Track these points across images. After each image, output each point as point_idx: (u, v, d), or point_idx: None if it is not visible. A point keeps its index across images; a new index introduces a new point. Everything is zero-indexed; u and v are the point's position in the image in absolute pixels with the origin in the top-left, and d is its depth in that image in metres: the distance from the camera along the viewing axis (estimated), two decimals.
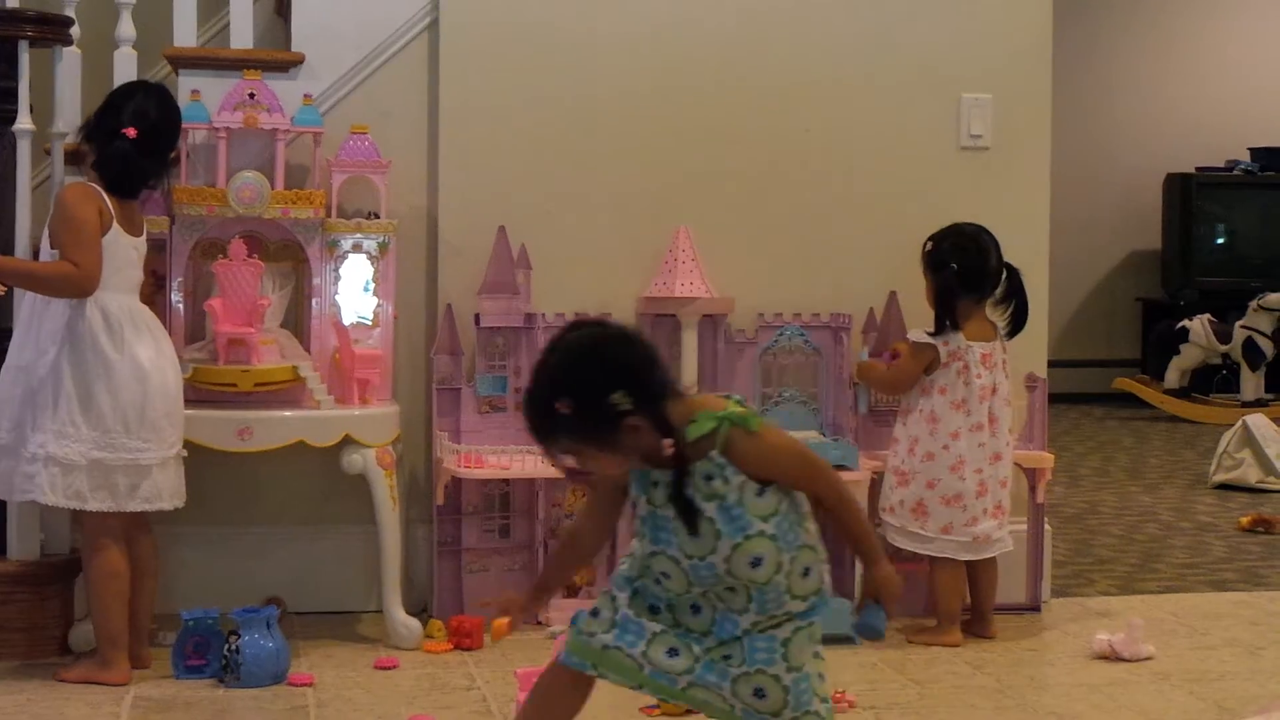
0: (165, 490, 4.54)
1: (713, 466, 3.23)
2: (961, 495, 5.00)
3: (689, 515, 3.23)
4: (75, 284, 4.43)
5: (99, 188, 4.50)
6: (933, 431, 5.03)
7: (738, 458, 3.23)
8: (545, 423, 3.22)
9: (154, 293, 4.86)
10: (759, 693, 3.31)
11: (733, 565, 3.25)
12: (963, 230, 5.12)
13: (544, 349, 3.31)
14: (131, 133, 4.53)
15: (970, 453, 5.01)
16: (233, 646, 4.47)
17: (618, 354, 3.25)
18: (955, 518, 5.00)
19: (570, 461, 3.28)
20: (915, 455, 5.04)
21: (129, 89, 4.67)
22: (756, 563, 3.25)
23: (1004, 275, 5.13)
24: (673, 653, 3.33)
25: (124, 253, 4.52)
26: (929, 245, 5.11)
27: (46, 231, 4.57)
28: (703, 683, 3.33)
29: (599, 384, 3.18)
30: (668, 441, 3.19)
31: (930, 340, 5.05)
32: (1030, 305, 5.20)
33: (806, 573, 3.33)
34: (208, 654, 4.56)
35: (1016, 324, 5.15)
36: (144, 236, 4.64)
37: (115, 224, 4.49)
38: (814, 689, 3.37)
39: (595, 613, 3.39)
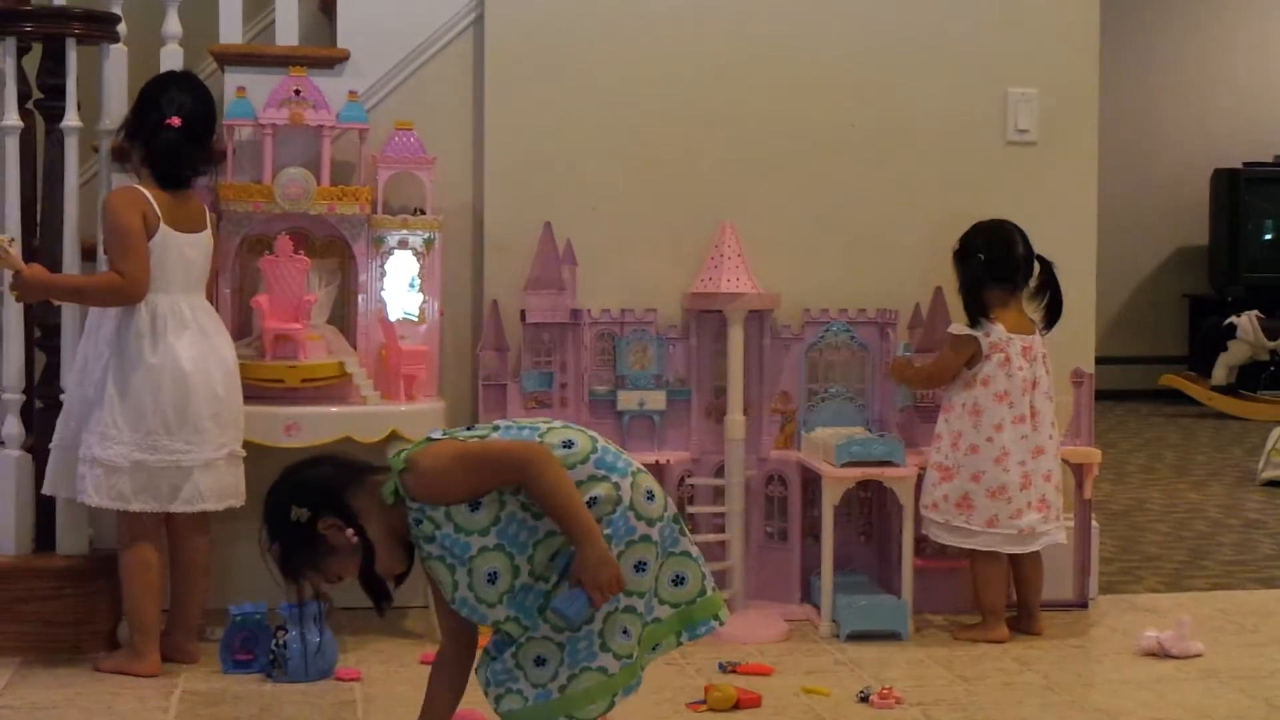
0: (209, 492, 4.55)
1: (414, 512, 3.37)
2: (1006, 487, 4.98)
3: (399, 579, 3.51)
4: (122, 293, 4.46)
5: (143, 189, 4.52)
6: (976, 424, 5.01)
7: (420, 496, 3.35)
8: (280, 569, 3.44)
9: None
10: (540, 660, 3.40)
11: (476, 590, 3.35)
12: (986, 223, 5.13)
13: None
14: (176, 122, 4.55)
15: (1014, 445, 4.99)
16: (280, 641, 4.48)
17: (287, 479, 3.46)
18: (1000, 510, 4.98)
19: (328, 581, 3.47)
20: (959, 449, 5.02)
21: (160, 82, 4.69)
22: (493, 577, 3.34)
23: (1037, 268, 5.11)
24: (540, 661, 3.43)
25: (175, 252, 4.53)
26: (956, 244, 5.11)
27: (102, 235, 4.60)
28: None
29: (280, 513, 3.41)
30: (349, 531, 3.38)
31: (971, 332, 5.03)
32: (1077, 301, 5.20)
33: (555, 556, 3.36)
34: (255, 649, 4.57)
35: (1051, 317, 5.13)
36: (207, 231, 4.65)
37: (163, 224, 4.50)
38: (596, 643, 3.38)
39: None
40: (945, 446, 5.05)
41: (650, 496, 3.40)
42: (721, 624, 3.52)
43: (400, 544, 3.43)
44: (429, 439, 3.43)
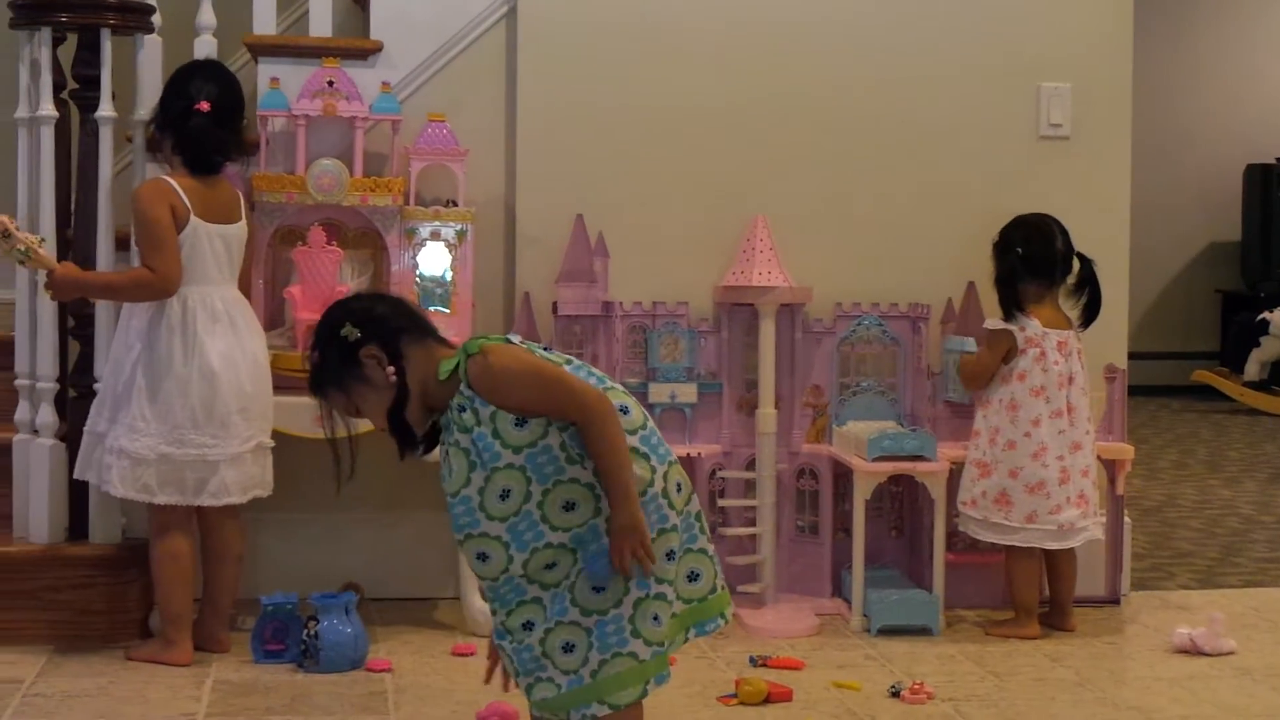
0: (234, 485, 4.56)
1: (463, 399, 3.28)
2: (1045, 483, 4.97)
3: (430, 443, 3.38)
4: (153, 288, 4.47)
5: (173, 180, 4.53)
6: (1013, 419, 5.00)
7: (478, 386, 3.26)
8: (310, 379, 3.40)
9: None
10: (568, 647, 3.30)
11: (485, 498, 3.26)
12: (1027, 218, 5.13)
13: None
14: (205, 106, 4.56)
15: (1051, 440, 4.98)
16: (311, 632, 4.49)
17: (351, 303, 3.45)
18: (1039, 505, 4.97)
19: (347, 410, 3.40)
20: (996, 445, 5.01)
21: (186, 71, 4.70)
22: (505, 495, 3.26)
23: (1076, 264, 5.10)
24: (568, 648, 3.33)
25: (206, 243, 4.53)
26: (996, 237, 5.10)
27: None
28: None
29: (332, 324, 3.37)
30: (390, 369, 3.32)
31: (1006, 326, 5.03)
32: (1110, 296, 5.18)
33: (571, 507, 3.28)
34: (286, 639, 4.58)
35: (1089, 315, 5.12)
36: (241, 222, 4.66)
37: (193, 216, 4.51)
38: (626, 629, 3.30)
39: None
40: (983, 443, 5.04)
41: (679, 489, 3.37)
42: (726, 622, 3.46)
43: (427, 414, 3.37)
44: (508, 339, 3.38)
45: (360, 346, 3.32)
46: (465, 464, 3.27)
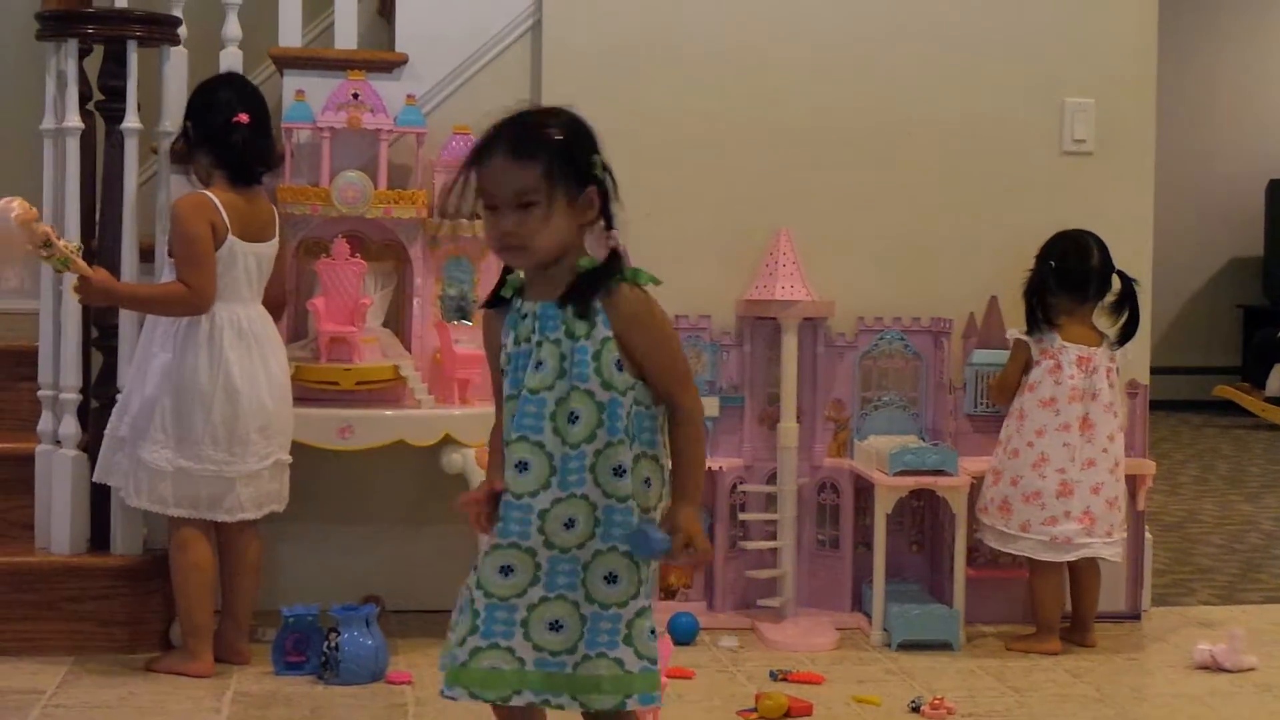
0: (249, 501, 4.57)
1: (592, 309, 3.11)
2: (1040, 493, 4.96)
3: (580, 301, 3.10)
4: (188, 304, 4.48)
5: (214, 196, 4.54)
6: (1019, 429, 5.02)
7: (620, 308, 3.10)
8: (532, 139, 3.09)
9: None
10: (555, 625, 3.10)
11: (558, 417, 3.09)
12: (1068, 232, 5.13)
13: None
14: (245, 118, 4.58)
15: (1054, 451, 4.98)
16: (332, 644, 4.49)
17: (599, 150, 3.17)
18: (1032, 516, 4.97)
19: (520, 205, 3.07)
20: (1005, 453, 5.04)
21: (210, 87, 4.71)
22: (573, 419, 3.10)
23: (1114, 282, 5.10)
24: (556, 626, 3.11)
25: (241, 261, 4.55)
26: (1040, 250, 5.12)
27: (168, 240, 4.62)
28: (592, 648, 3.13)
29: (589, 142, 3.14)
30: (613, 231, 3.15)
31: (1023, 337, 5.04)
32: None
33: (620, 473, 3.11)
34: (307, 651, 4.58)
35: (1126, 334, 5.11)
36: (275, 239, 4.68)
37: (231, 235, 4.52)
38: (621, 633, 3.12)
39: (453, 626, 3.20)
40: (999, 451, 5.06)
41: None
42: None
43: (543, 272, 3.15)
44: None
45: (597, 182, 3.12)
46: (558, 367, 3.10)
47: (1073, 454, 4.99)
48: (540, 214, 3.06)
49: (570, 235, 3.11)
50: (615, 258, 3.15)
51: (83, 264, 4.45)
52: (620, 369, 3.10)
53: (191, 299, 4.47)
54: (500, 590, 3.11)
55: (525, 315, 3.15)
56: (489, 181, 3.09)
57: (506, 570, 3.10)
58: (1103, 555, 5.05)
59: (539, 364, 3.11)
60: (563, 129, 3.11)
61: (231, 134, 4.56)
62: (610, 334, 3.10)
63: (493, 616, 3.11)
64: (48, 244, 4.35)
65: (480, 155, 3.11)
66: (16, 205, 4.30)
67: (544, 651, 3.11)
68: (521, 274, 3.20)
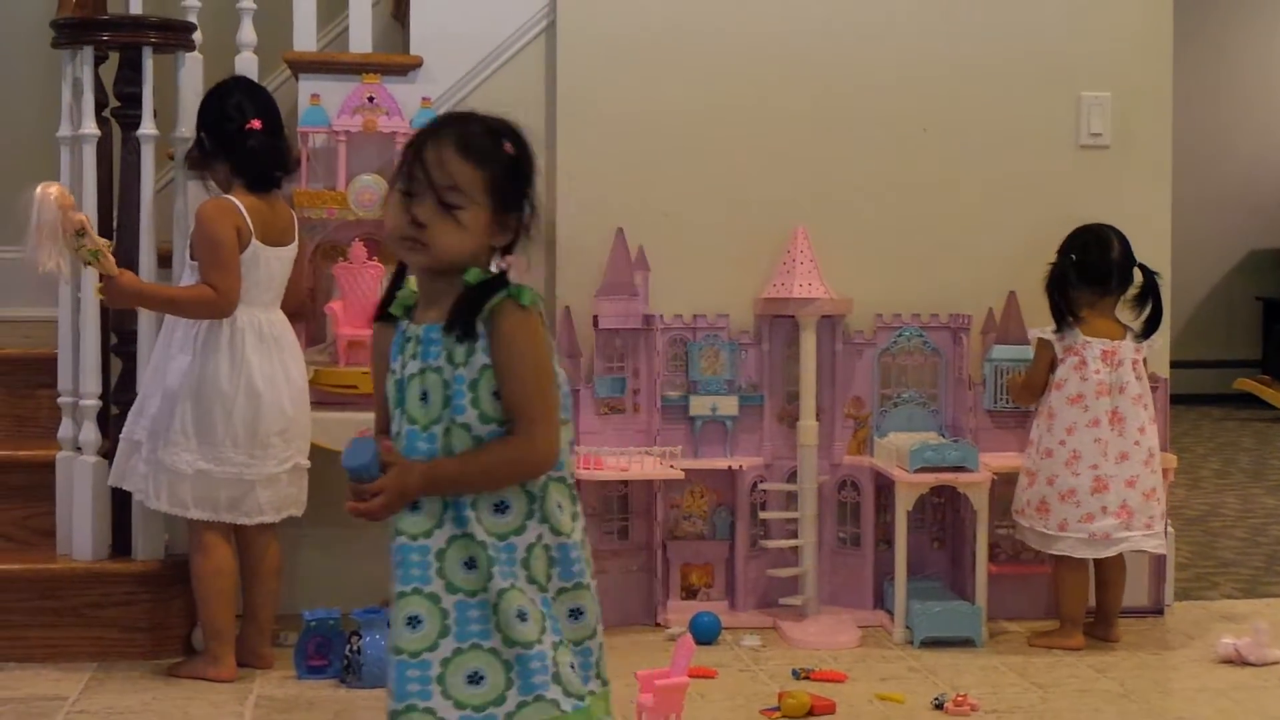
0: (268, 505, 4.58)
1: (472, 330, 2.83)
2: (1075, 491, 4.95)
3: (464, 321, 2.81)
4: (214, 307, 4.48)
5: (237, 200, 4.54)
6: (1050, 427, 5.00)
7: (495, 325, 2.81)
8: (486, 143, 2.87)
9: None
10: (474, 677, 2.81)
11: (443, 446, 2.83)
12: (1089, 226, 5.12)
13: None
14: (258, 124, 4.58)
15: (1085, 448, 4.96)
16: (354, 647, 4.49)
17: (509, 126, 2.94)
18: (1069, 514, 4.95)
19: (444, 199, 2.82)
20: (1038, 453, 5.01)
21: (222, 91, 4.71)
22: (453, 454, 2.83)
23: (1136, 276, 5.08)
24: (475, 679, 2.82)
25: (264, 266, 4.56)
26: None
27: (188, 244, 4.62)
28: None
29: (532, 170, 2.92)
30: (509, 258, 2.89)
31: (1047, 337, 5.03)
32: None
33: (559, 507, 2.87)
34: (329, 654, 4.59)
35: (1149, 327, 5.09)
36: (295, 243, 4.69)
37: (254, 239, 4.53)
38: (550, 674, 2.82)
39: None
40: (1031, 451, 5.04)
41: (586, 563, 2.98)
42: None
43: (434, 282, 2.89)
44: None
45: (525, 211, 2.90)
46: (442, 399, 2.84)
47: (1104, 449, 4.97)
48: (462, 218, 2.82)
49: (476, 251, 2.85)
50: (502, 275, 2.88)
51: (111, 261, 4.45)
52: (497, 398, 2.83)
53: (218, 301, 4.47)
54: (411, 645, 2.83)
55: (409, 339, 2.90)
56: (421, 166, 2.83)
57: (476, 679, 2.81)
58: (1143, 548, 5.04)
59: (423, 395, 2.86)
60: (517, 147, 2.90)
61: (247, 141, 4.57)
62: (489, 361, 2.82)
63: (404, 675, 2.83)
64: (81, 233, 4.35)
65: (424, 138, 2.88)
66: (55, 188, 4.33)
67: (467, 709, 2.81)
68: (414, 286, 2.93)
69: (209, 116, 4.66)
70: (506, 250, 2.91)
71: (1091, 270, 5.05)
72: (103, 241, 4.44)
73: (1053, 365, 5.03)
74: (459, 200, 2.82)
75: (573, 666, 2.87)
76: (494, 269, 2.89)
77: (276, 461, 4.56)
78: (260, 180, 4.59)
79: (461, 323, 2.82)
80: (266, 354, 4.55)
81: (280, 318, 4.63)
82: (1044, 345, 5.05)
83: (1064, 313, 5.04)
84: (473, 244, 2.84)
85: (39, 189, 4.32)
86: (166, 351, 4.60)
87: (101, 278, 4.46)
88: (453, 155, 2.84)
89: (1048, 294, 5.07)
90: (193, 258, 4.57)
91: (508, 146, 2.89)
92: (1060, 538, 4.97)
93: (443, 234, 2.82)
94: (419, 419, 2.86)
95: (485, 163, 2.85)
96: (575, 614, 2.90)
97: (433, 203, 2.82)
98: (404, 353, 2.91)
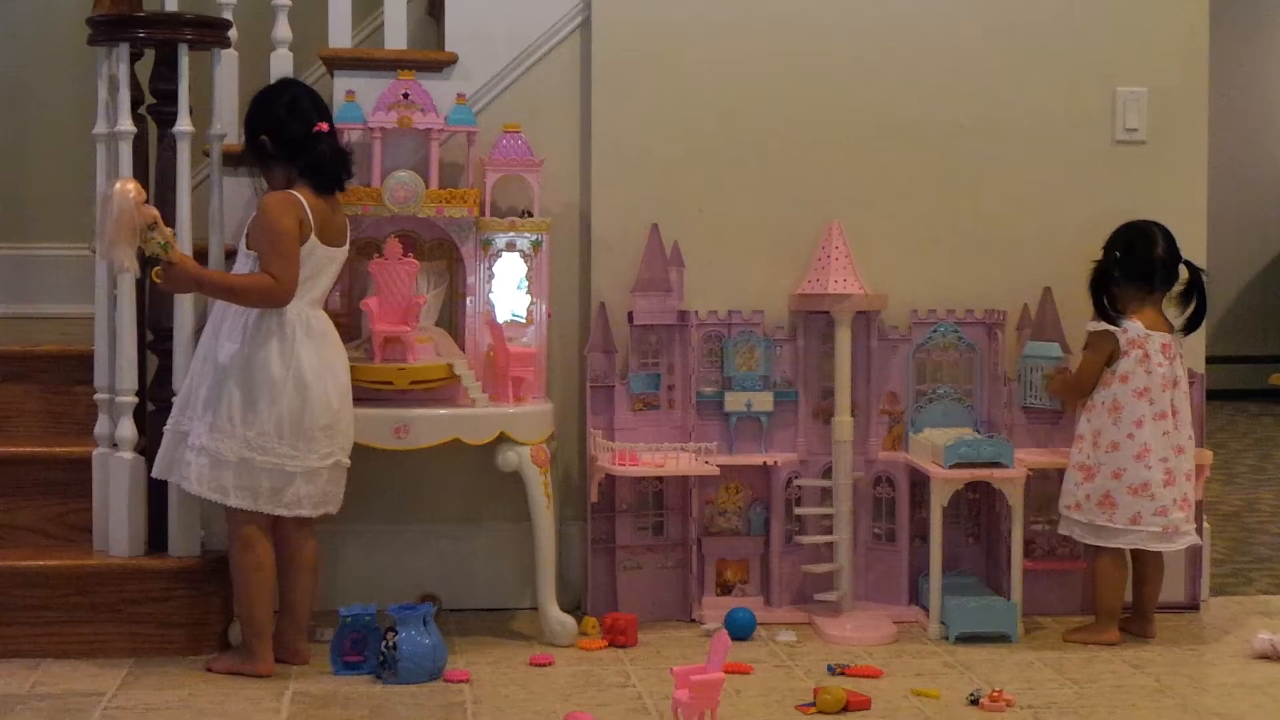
0: (307, 499, 4.58)
1: None
2: (1149, 484, 4.92)
3: None
4: (272, 296, 4.50)
5: (301, 196, 4.56)
6: (1116, 421, 4.96)
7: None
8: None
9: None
10: None
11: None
12: (1134, 222, 5.10)
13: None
14: (325, 127, 4.62)
15: (1155, 441, 4.94)
16: (390, 643, 4.50)
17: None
18: (1144, 507, 4.93)
19: None
20: (1100, 447, 4.97)
21: (272, 94, 4.72)
22: None
23: (1181, 272, 5.06)
24: None
25: (318, 263, 4.58)
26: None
27: (245, 233, 4.64)
28: None
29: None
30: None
31: (1109, 328, 4.99)
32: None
33: None
34: (365, 650, 4.59)
35: (1193, 323, 5.08)
36: (346, 245, 4.71)
37: (313, 235, 4.55)
38: None
39: None
40: (1087, 446, 5.01)
41: None
42: None
43: None
44: None
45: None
46: None
47: (1171, 442, 4.96)
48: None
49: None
50: None
51: (179, 250, 4.47)
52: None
53: (277, 290, 4.49)
54: None
55: None
56: None
57: None
58: (1196, 542, 5.07)
59: None
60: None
61: (317, 145, 4.60)
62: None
63: None
64: (154, 226, 4.37)
65: None
66: (132, 184, 4.37)
67: None
68: None
69: (269, 119, 4.66)
70: None
71: (1136, 267, 5.02)
72: (168, 232, 4.46)
73: (1110, 358, 5.00)
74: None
75: None
76: None
77: (319, 456, 4.57)
78: (327, 183, 4.61)
79: None
80: (315, 348, 4.56)
81: (325, 316, 4.64)
82: (1105, 337, 5.00)
83: (1108, 310, 5.01)
84: None
85: (116, 185, 4.36)
86: (214, 340, 4.60)
87: (160, 263, 4.47)
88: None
89: (1091, 291, 5.05)
90: (249, 248, 4.59)
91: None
92: (1130, 531, 4.94)
93: None
94: None
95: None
96: None
97: None
98: None
